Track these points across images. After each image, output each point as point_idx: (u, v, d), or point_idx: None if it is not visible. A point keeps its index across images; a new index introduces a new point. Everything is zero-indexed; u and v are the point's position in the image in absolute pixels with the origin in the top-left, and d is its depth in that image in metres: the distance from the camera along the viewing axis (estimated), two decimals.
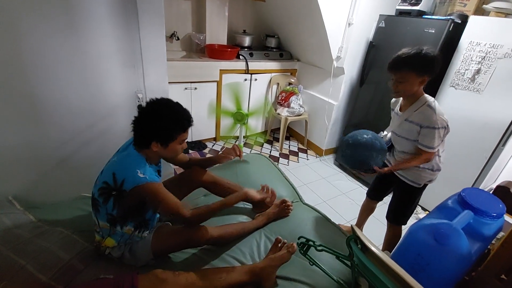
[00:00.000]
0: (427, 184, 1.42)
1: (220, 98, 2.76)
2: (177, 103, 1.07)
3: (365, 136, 1.32)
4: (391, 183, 1.56)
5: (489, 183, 2.01)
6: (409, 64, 1.19)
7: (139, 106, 1.04)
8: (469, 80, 1.82)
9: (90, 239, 1.15)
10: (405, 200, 1.51)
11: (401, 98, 1.40)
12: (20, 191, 1.45)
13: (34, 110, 1.34)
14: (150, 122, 1.01)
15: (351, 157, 1.33)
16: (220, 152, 2.71)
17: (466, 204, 0.88)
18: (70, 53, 1.33)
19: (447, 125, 1.24)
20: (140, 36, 1.48)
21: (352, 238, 0.79)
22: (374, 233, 1.97)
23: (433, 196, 1.78)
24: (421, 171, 1.37)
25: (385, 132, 1.49)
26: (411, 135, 1.31)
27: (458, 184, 1.96)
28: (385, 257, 0.66)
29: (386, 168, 1.37)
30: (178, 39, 2.78)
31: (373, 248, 0.69)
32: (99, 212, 1.05)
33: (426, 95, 1.29)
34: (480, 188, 1.94)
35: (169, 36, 2.69)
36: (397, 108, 1.41)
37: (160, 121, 1.00)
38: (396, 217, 1.58)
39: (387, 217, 1.62)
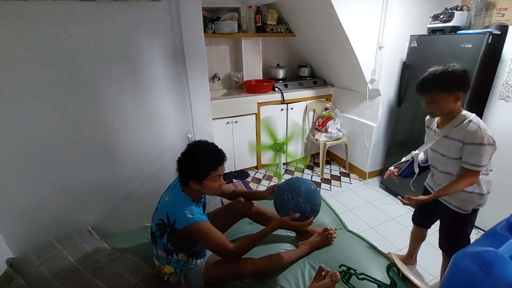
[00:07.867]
0: (477, 209, 1.30)
1: (259, 129, 2.94)
2: (212, 144, 1.21)
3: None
4: (435, 209, 1.44)
5: None
6: (436, 84, 1.14)
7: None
8: None
9: (152, 265, 1.32)
10: (455, 228, 1.38)
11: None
12: (97, 222, 1.73)
13: (108, 153, 1.63)
14: (186, 163, 1.16)
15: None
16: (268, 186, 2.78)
17: None
18: (135, 106, 1.61)
19: (494, 142, 1.15)
20: (189, 84, 1.73)
21: (392, 266, 0.80)
22: (430, 261, 1.82)
23: (496, 218, 1.61)
24: (466, 196, 1.26)
25: (417, 151, 1.41)
26: (451, 153, 1.23)
27: None
28: (425, 287, 0.67)
29: (425, 196, 1.27)
30: (219, 79, 3.10)
31: (412, 278, 0.70)
32: (157, 243, 1.21)
33: (466, 111, 1.21)
34: None
35: (211, 78, 3.01)
36: (434, 125, 1.34)
37: (193, 161, 1.14)
38: (451, 247, 1.42)
39: (440, 247, 1.48)
